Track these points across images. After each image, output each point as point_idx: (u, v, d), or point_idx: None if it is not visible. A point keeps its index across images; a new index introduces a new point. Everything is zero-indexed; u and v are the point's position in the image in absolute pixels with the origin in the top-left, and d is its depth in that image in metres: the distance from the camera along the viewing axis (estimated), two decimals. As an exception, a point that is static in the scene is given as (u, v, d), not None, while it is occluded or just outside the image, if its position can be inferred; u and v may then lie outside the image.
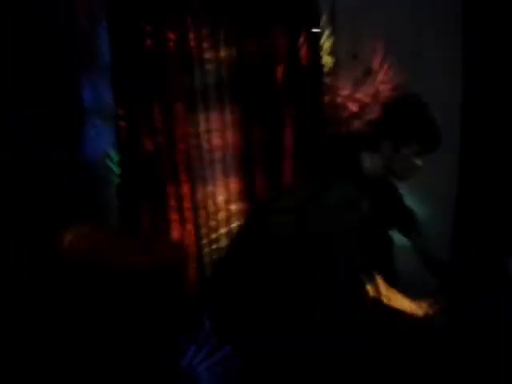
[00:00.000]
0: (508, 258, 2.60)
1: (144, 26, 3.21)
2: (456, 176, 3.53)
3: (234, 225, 3.49)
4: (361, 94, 3.45)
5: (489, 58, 3.46)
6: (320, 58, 3.53)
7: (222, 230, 3.50)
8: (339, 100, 3.50)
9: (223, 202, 3.48)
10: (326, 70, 3.54)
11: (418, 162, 2.45)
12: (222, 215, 3.49)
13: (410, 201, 2.70)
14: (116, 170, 3.40)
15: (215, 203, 3.46)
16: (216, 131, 3.39)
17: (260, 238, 2.51)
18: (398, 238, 2.69)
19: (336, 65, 3.52)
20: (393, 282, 2.51)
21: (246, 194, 3.48)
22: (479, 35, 3.47)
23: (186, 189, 3.40)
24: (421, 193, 3.11)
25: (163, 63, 3.25)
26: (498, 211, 3.35)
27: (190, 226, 3.44)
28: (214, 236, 3.50)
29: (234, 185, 3.49)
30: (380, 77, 3.40)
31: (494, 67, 3.45)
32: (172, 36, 3.24)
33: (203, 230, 3.47)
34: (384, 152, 2.46)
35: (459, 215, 3.50)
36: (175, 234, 3.43)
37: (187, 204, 3.41)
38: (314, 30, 3.51)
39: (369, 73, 3.42)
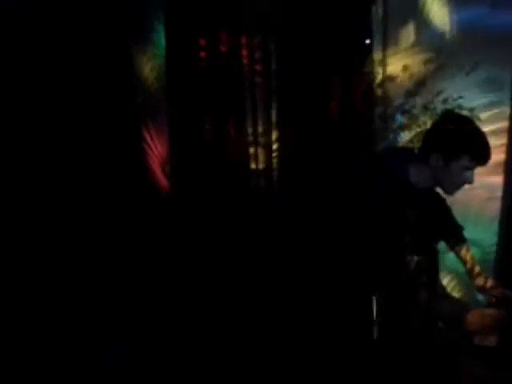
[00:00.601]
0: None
1: (198, 39, 3.28)
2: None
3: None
4: (411, 105, 3.46)
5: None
6: (372, 68, 3.53)
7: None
8: (390, 111, 3.52)
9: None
10: (377, 80, 3.54)
11: (468, 175, 2.44)
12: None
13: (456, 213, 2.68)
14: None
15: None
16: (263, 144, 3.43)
17: None
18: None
19: (387, 76, 3.52)
20: (437, 294, 2.52)
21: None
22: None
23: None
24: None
25: (216, 75, 3.32)
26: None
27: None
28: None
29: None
30: (432, 90, 3.40)
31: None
32: (224, 49, 3.32)
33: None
34: (433, 165, 2.46)
35: (508, 228, 3.45)
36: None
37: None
38: (367, 42, 3.52)
39: (420, 85, 3.43)
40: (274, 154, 3.46)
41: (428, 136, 2.53)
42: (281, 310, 3.30)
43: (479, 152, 2.42)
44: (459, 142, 2.41)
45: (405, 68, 3.48)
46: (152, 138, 3.45)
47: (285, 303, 3.30)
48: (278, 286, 3.34)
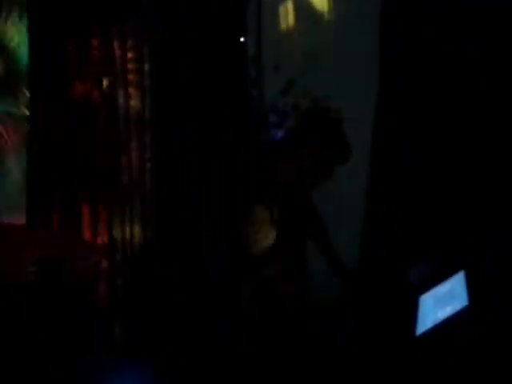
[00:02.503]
0: (410, 268, 2.79)
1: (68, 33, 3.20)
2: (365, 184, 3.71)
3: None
4: (282, 104, 3.59)
5: (404, 73, 3.65)
6: (245, 67, 3.61)
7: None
8: (263, 109, 3.62)
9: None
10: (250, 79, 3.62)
11: (330, 172, 2.61)
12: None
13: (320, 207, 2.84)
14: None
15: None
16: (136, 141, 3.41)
17: None
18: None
19: (259, 75, 3.62)
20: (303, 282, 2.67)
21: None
22: (397, 53, 3.66)
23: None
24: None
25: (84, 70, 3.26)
26: (406, 221, 3.55)
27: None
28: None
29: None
30: (301, 89, 3.54)
31: (410, 81, 3.65)
32: (96, 44, 3.26)
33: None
34: (301, 161, 2.60)
35: (366, 221, 3.68)
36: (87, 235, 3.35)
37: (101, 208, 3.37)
38: (241, 40, 3.59)
39: (290, 84, 3.56)
40: (146, 154, 3.45)
41: (297, 134, 2.67)
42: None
43: (343, 151, 2.59)
44: (325, 141, 2.57)
45: (276, 67, 3.60)
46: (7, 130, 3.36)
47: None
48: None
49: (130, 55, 3.34)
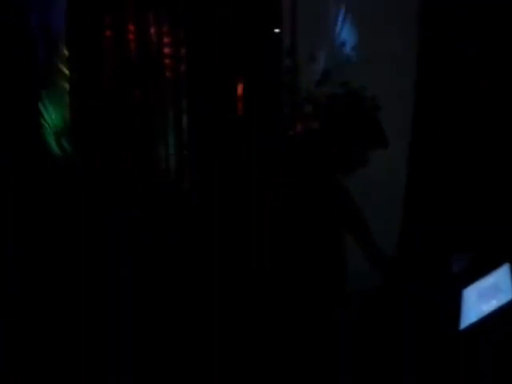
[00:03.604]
0: (453, 260, 2.72)
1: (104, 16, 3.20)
2: (405, 171, 3.64)
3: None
4: (318, 94, 3.54)
5: (441, 61, 3.58)
6: (281, 57, 3.57)
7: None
8: (298, 99, 3.58)
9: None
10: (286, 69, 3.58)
11: (365, 160, 2.57)
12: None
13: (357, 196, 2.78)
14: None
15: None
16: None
17: None
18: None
19: (296, 65, 3.58)
20: (341, 277, 2.61)
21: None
22: (433, 42, 3.59)
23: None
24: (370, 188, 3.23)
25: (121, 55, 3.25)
26: (446, 210, 3.48)
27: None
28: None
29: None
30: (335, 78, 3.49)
31: (447, 70, 3.58)
32: (132, 29, 3.24)
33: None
34: (336, 150, 2.56)
35: (407, 212, 3.62)
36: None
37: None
38: (276, 31, 3.56)
39: (326, 74, 3.51)
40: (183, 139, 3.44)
41: (331, 124, 2.63)
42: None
43: (377, 140, 2.55)
44: (359, 130, 2.54)
45: (312, 57, 3.56)
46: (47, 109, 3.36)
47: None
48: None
49: (165, 40, 3.32)
